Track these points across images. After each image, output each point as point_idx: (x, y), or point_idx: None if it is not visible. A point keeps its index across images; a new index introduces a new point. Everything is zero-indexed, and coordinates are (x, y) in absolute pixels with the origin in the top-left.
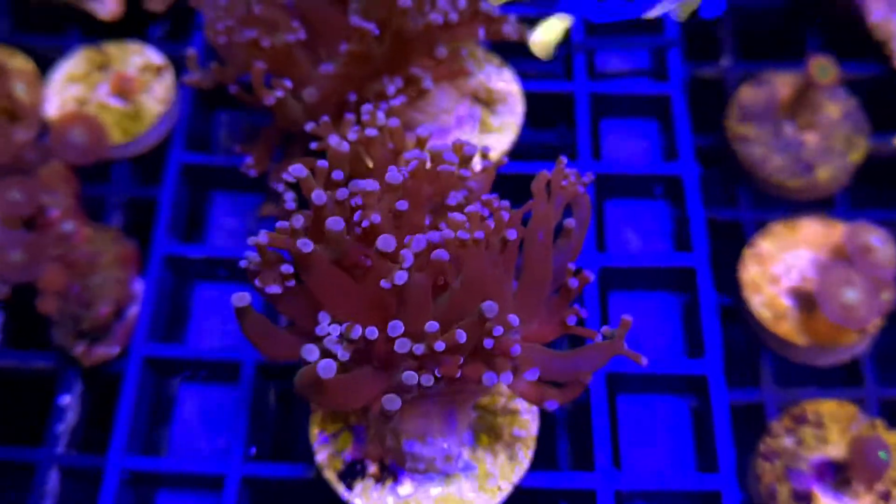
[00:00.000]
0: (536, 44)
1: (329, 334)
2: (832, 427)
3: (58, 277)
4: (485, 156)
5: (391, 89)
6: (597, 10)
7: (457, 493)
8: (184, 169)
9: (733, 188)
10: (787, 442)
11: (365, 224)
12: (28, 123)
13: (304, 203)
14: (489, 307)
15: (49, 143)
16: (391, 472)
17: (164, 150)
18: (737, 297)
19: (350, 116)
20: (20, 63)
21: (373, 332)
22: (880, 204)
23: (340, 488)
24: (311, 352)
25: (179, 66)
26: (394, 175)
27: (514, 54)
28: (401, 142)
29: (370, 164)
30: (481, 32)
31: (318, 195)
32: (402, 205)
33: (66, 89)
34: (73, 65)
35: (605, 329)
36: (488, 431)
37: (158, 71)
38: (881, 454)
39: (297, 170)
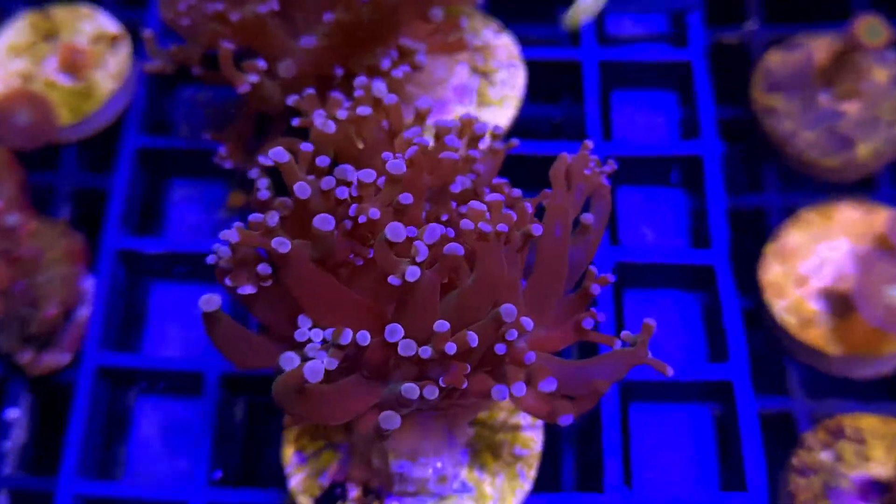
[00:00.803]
0: (579, 12)
1: (311, 340)
2: (875, 444)
3: (1, 275)
4: (495, 136)
5: (386, 62)
6: None
7: None
8: (140, 154)
9: (758, 169)
10: (825, 457)
11: (361, 220)
12: None
13: (280, 190)
14: (508, 311)
15: None
16: (377, 497)
17: (118, 133)
18: (758, 299)
19: (337, 95)
20: None
21: (364, 337)
22: None
23: None
24: (290, 361)
25: (136, 36)
26: (396, 165)
27: (515, 17)
28: (398, 122)
29: (360, 146)
30: None
31: (302, 188)
32: (407, 198)
33: (7, 63)
34: (15, 34)
35: (625, 334)
36: (487, 449)
37: (113, 41)
38: None
39: (277, 154)
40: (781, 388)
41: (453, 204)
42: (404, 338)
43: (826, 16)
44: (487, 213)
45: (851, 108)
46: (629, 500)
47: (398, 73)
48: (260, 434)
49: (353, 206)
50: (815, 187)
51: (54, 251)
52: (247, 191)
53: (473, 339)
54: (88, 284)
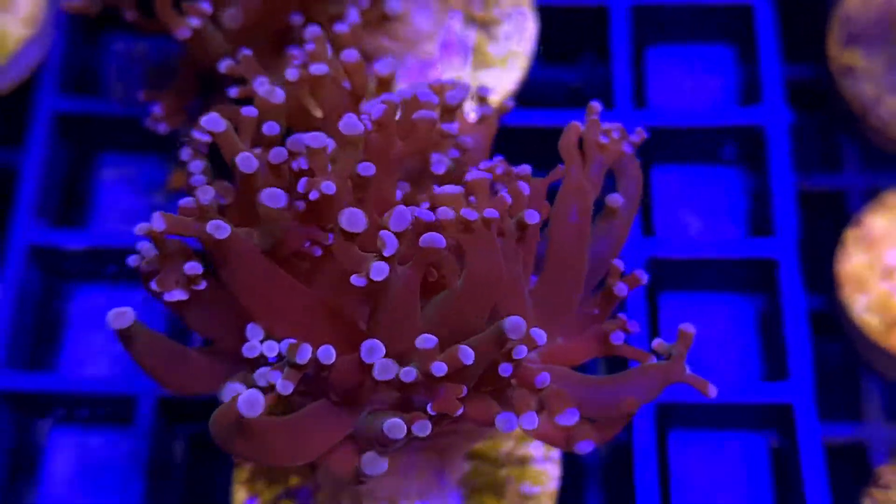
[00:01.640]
0: None
1: (262, 355)
2: None
3: None
4: (482, 100)
5: (353, 13)
6: None
7: None
8: (59, 120)
9: (836, 143)
10: None
11: (313, 196)
12: None
13: (222, 172)
14: (514, 324)
15: None
16: None
17: (30, 93)
18: (833, 298)
19: (295, 51)
20: None
21: (328, 354)
22: None
23: None
24: (232, 392)
25: None
26: (352, 124)
27: None
28: (361, 82)
29: (318, 114)
30: None
31: (246, 160)
32: (367, 168)
33: None
34: None
35: (657, 344)
36: (488, 488)
37: None
38: None
39: (211, 121)
40: (855, 412)
41: (436, 188)
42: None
43: None
44: (472, 198)
45: None
46: None
47: (353, 16)
48: (204, 472)
49: (303, 179)
50: None
51: None
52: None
53: (468, 355)
54: None
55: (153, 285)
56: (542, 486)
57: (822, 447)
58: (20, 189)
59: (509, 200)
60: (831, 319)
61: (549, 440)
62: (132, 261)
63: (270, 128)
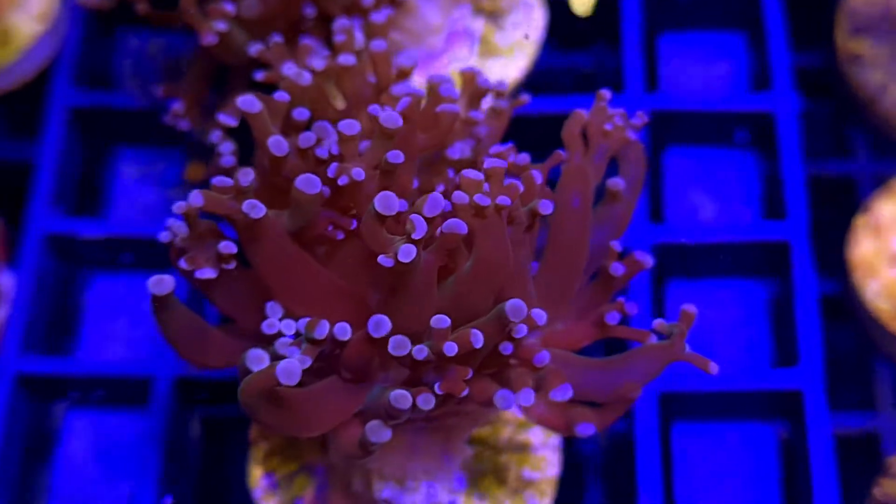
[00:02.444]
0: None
1: (281, 333)
2: None
3: None
4: (499, 94)
5: (383, 12)
6: None
7: None
8: (75, 114)
9: (845, 131)
10: None
11: (342, 181)
12: None
13: (245, 158)
14: (515, 307)
15: None
16: None
17: (44, 88)
18: (844, 283)
19: (309, 41)
20: None
21: (344, 330)
22: None
23: None
24: (257, 360)
25: None
26: (391, 118)
27: None
28: (386, 73)
29: (340, 105)
30: None
31: (278, 142)
32: (397, 156)
33: None
34: None
35: (658, 324)
36: (489, 473)
37: None
38: None
39: (247, 103)
40: (867, 400)
41: (450, 173)
42: (394, 333)
43: None
44: (486, 185)
45: None
46: None
47: (380, 16)
48: (220, 452)
49: (333, 165)
50: None
51: None
52: (208, 162)
53: (478, 338)
54: (6, 280)
55: (183, 263)
56: (542, 472)
57: (832, 435)
58: (36, 179)
59: (522, 189)
60: (843, 305)
61: (549, 424)
62: (163, 237)
63: (300, 113)
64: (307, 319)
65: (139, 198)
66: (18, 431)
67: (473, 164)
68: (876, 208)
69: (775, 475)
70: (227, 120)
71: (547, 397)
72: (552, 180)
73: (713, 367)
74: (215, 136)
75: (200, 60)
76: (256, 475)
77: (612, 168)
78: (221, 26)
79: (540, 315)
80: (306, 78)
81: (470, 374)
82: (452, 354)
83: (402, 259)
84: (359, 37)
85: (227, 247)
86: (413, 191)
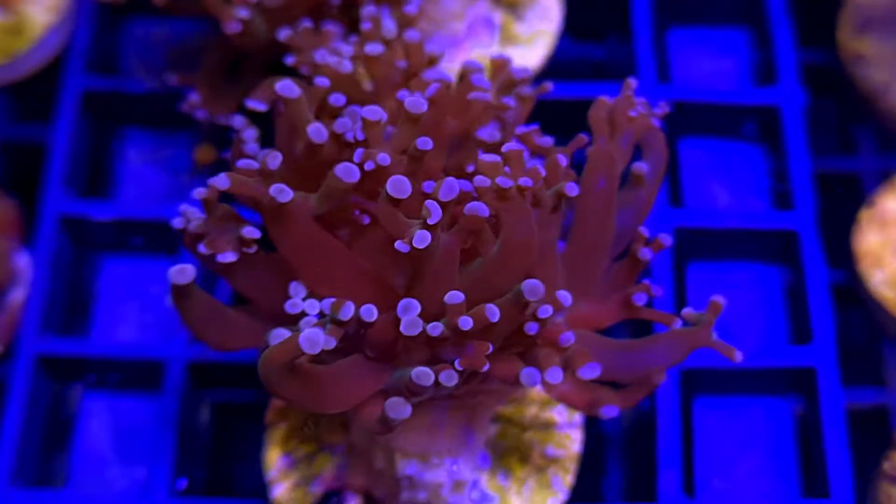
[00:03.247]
0: None
1: (304, 313)
2: None
3: None
4: (523, 80)
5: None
6: None
7: None
8: (86, 98)
9: (851, 128)
10: None
11: (368, 167)
12: None
13: (266, 142)
14: (532, 287)
15: None
16: None
17: (55, 75)
18: (852, 273)
19: (332, 27)
20: None
21: (370, 312)
22: None
23: None
24: (280, 337)
25: None
26: (416, 102)
27: None
28: (419, 61)
29: (368, 89)
30: None
31: (318, 131)
32: (426, 143)
33: None
34: None
35: (687, 312)
36: (513, 451)
37: None
38: None
39: (285, 88)
40: (877, 378)
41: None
42: (421, 316)
43: None
44: (506, 168)
45: None
46: None
47: (412, 7)
48: (233, 436)
49: (359, 150)
50: None
51: None
52: (217, 144)
53: (494, 312)
54: (23, 261)
55: (201, 248)
56: (566, 449)
57: (845, 411)
58: (50, 161)
59: (543, 172)
60: (850, 293)
61: (573, 404)
62: (177, 223)
63: (336, 99)
64: (331, 300)
65: (148, 181)
66: (38, 412)
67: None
68: (881, 203)
69: (791, 448)
70: (256, 105)
71: (572, 375)
72: (576, 165)
73: (738, 356)
74: (238, 121)
75: (217, 49)
76: (273, 456)
77: (634, 156)
78: (244, 13)
79: (565, 297)
80: (347, 66)
81: (490, 348)
82: (468, 328)
83: (417, 245)
84: (387, 24)
85: (251, 231)
86: (441, 176)
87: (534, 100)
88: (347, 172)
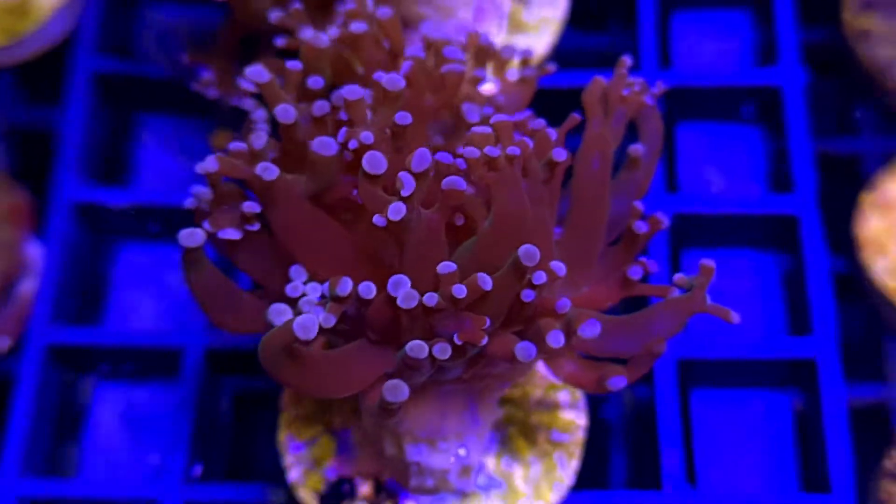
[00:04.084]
0: None
1: (305, 294)
2: None
3: None
4: (525, 62)
5: None
6: None
7: None
8: (98, 80)
9: (852, 108)
10: None
11: (352, 145)
12: None
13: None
14: (528, 252)
15: None
16: (389, 494)
17: (64, 57)
18: (853, 261)
19: (342, 7)
20: None
21: (369, 289)
22: None
23: None
24: (280, 313)
25: None
26: (393, 80)
27: None
28: (398, 39)
29: (360, 71)
30: None
31: (285, 111)
32: (405, 118)
33: None
34: None
35: (679, 278)
36: (519, 435)
37: None
38: None
39: (255, 73)
40: (878, 374)
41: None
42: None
43: None
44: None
45: None
46: (693, 499)
47: None
48: (251, 423)
49: (343, 130)
50: None
51: None
52: (234, 128)
53: (486, 281)
54: (34, 251)
55: (206, 225)
56: (571, 433)
57: (846, 404)
58: (62, 147)
59: (531, 144)
60: (853, 283)
61: (580, 383)
62: (189, 203)
63: (315, 82)
64: (332, 279)
65: (164, 167)
66: (49, 403)
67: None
68: (882, 186)
69: (791, 442)
70: (247, 86)
71: (575, 356)
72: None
73: (735, 317)
74: (248, 103)
75: (228, 28)
76: (287, 441)
77: (633, 138)
78: None
79: (560, 266)
80: (323, 40)
81: (487, 322)
82: (462, 296)
83: (391, 217)
84: (370, 3)
85: (251, 206)
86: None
87: (536, 81)
88: (324, 146)
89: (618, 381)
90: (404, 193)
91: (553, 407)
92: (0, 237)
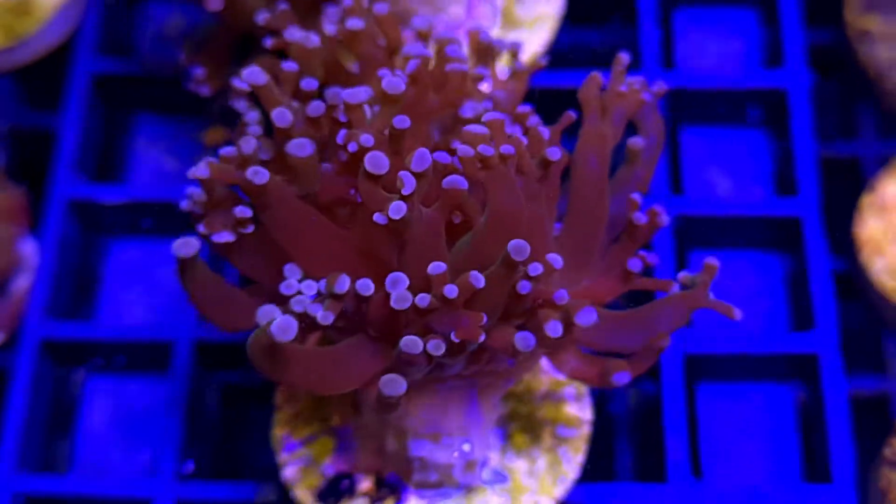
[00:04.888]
0: None
1: (299, 292)
2: None
3: None
4: (515, 55)
5: None
6: None
7: None
8: (95, 82)
9: (852, 110)
10: None
11: (352, 148)
12: None
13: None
14: (517, 246)
15: None
16: (392, 489)
17: (65, 58)
18: (853, 261)
19: (333, 9)
20: None
21: (367, 286)
22: None
23: None
24: (268, 314)
25: None
26: (393, 83)
27: None
28: (395, 35)
29: (354, 69)
30: None
31: (281, 114)
32: (403, 121)
33: None
34: None
35: (682, 276)
36: (524, 429)
37: None
38: None
39: (251, 75)
40: (878, 367)
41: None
42: (411, 290)
43: None
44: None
45: None
46: (698, 492)
47: None
48: (242, 418)
49: (342, 132)
50: None
51: None
52: (227, 126)
53: (478, 279)
54: (29, 248)
55: (201, 228)
56: (576, 427)
57: (847, 396)
58: (59, 145)
59: (525, 140)
60: (853, 284)
61: (584, 378)
62: (184, 205)
63: (308, 83)
64: (330, 276)
65: (158, 165)
66: (42, 398)
67: None
68: (881, 188)
69: (794, 434)
70: (239, 84)
71: (578, 351)
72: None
73: (737, 313)
74: (241, 103)
75: (220, 27)
76: (283, 438)
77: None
78: None
79: (556, 259)
80: (314, 40)
81: (484, 319)
82: (454, 297)
83: (392, 215)
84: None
85: (243, 211)
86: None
87: (528, 75)
88: (300, 147)
89: (622, 376)
90: (405, 192)
91: (558, 402)
92: None
